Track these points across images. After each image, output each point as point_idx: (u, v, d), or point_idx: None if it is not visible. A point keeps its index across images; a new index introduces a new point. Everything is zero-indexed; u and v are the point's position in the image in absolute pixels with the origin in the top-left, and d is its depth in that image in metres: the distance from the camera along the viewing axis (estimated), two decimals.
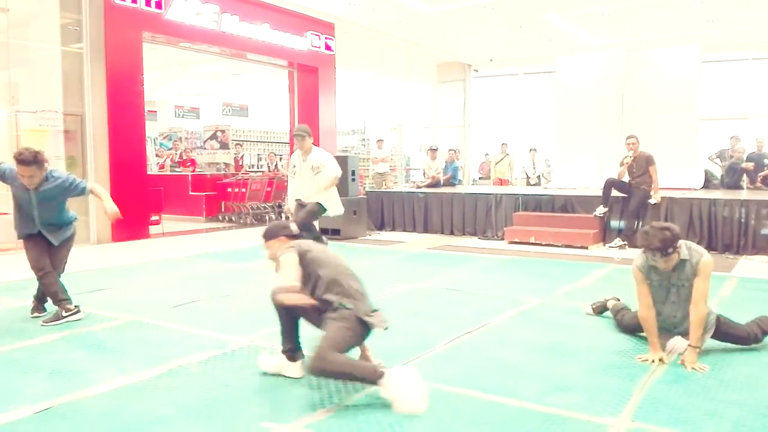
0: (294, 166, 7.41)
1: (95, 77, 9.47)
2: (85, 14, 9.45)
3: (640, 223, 8.90)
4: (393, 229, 11.15)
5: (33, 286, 6.16)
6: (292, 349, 3.51)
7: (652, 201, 8.76)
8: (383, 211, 11.33)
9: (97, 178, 9.51)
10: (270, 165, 14.94)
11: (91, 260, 7.88)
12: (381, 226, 11.27)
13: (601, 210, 8.98)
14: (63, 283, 5.00)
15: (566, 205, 9.68)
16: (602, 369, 3.70)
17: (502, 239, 9.65)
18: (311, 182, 7.17)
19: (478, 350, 4.09)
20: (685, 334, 3.89)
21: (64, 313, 4.79)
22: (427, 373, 3.60)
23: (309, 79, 13.73)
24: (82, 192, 4.89)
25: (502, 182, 14.89)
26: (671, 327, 4.00)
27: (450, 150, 14.34)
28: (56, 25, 9.58)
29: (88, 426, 2.93)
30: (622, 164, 8.99)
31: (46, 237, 4.91)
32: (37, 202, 4.75)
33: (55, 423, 2.97)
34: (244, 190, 12.68)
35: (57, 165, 9.56)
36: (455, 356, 3.97)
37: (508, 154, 15.26)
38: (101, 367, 3.75)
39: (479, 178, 18.04)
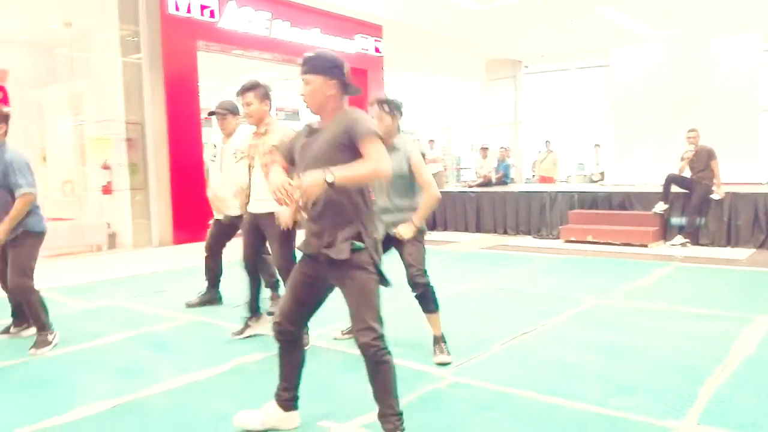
0: (215, 147, 5.30)
1: (154, 86, 9.79)
2: (142, 25, 9.78)
3: (703, 220, 8.60)
4: (445, 229, 11.11)
5: (100, 289, 6.46)
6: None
7: (714, 196, 8.45)
8: (435, 211, 11.28)
9: (159, 183, 9.83)
10: None
11: (154, 262, 8.16)
12: (433, 227, 11.25)
13: (661, 206, 8.71)
14: (13, 307, 4.53)
15: (624, 202, 9.43)
16: (665, 370, 3.59)
17: (558, 238, 9.47)
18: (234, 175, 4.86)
19: (536, 351, 4.04)
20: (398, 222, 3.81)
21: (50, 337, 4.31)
22: (485, 374, 3.59)
23: (358, 82, 13.61)
24: (12, 190, 4.14)
25: (545, 180, 14.57)
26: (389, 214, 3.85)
27: (501, 148, 14.19)
28: (116, 37, 9.94)
29: (154, 422, 3.04)
30: (682, 159, 8.72)
31: None
32: None
33: (124, 419, 3.09)
34: None
35: (120, 172, 9.95)
36: (513, 357, 3.92)
37: (551, 152, 14.96)
38: (165, 365, 3.88)
39: (532, 176, 17.79)
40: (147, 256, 8.82)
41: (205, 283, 5.50)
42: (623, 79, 11.87)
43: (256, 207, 4.23)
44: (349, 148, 2.55)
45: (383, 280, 2.64)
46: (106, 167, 10.09)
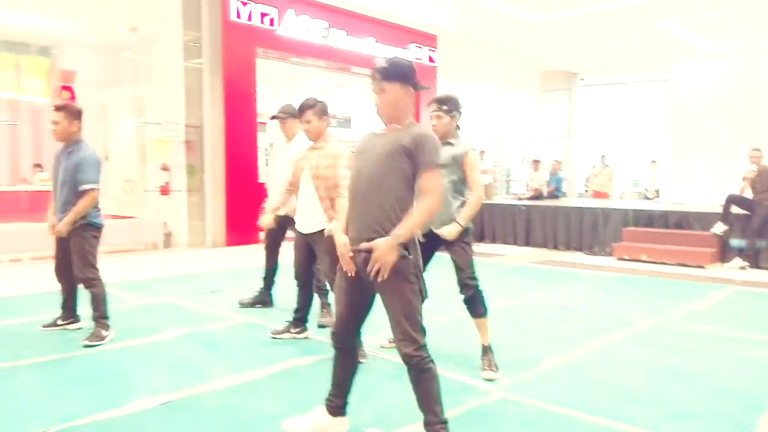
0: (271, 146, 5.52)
1: (213, 91, 10.05)
2: (205, 31, 10.06)
3: (764, 243, 8.29)
4: (493, 242, 11.01)
5: (155, 286, 6.66)
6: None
7: None
8: (483, 223, 11.22)
9: (214, 185, 10.08)
10: None
11: (207, 262, 8.37)
12: (481, 238, 11.16)
13: (720, 227, 8.43)
14: (76, 298, 4.75)
15: (681, 221, 9.16)
16: (723, 397, 3.48)
17: (611, 256, 9.25)
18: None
19: (587, 370, 3.96)
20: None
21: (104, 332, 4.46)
22: (533, 391, 3.54)
23: None
24: (78, 185, 4.39)
25: (599, 195, 14.25)
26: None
27: (554, 161, 14.00)
28: (179, 42, 10.24)
29: (205, 420, 3.11)
30: (744, 179, 8.43)
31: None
32: (59, 178, 4.45)
33: (177, 415, 3.17)
34: None
35: (178, 173, 10.24)
36: (562, 375, 3.86)
37: (607, 166, 14.65)
38: (218, 364, 3.97)
39: (585, 191, 17.45)
40: (201, 256, 9.05)
41: (260, 284, 5.62)
42: (683, 94, 11.56)
43: (307, 227, 4.32)
44: (406, 161, 2.61)
45: (423, 292, 2.65)
46: (165, 168, 10.40)
